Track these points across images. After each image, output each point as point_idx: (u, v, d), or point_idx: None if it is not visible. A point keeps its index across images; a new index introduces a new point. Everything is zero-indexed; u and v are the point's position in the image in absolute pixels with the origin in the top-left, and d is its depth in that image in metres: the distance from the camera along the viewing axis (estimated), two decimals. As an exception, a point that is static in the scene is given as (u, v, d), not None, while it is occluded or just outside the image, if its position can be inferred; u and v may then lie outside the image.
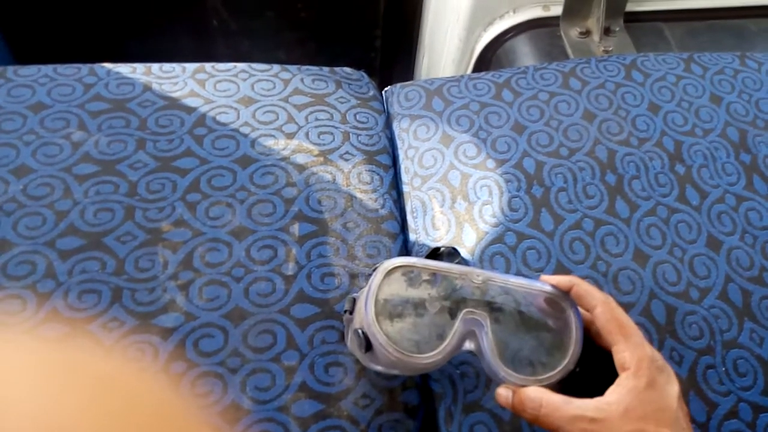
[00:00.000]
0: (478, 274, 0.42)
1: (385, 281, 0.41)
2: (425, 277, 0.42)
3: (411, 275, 0.42)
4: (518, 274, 0.52)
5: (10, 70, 0.59)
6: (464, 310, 0.41)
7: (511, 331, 0.41)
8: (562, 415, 0.37)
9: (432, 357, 0.41)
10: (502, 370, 0.41)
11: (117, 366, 0.20)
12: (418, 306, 0.41)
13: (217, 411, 0.45)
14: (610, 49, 0.83)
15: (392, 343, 0.40)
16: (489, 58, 0.89)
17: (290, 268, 0.51)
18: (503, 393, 0.41)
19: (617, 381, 0.37)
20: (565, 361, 0.41)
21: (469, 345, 0.42)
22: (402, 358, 0.41)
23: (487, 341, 0.41)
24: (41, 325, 0.46)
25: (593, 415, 0.36)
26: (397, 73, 1.23)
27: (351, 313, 0.43)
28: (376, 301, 0.41)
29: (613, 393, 0.37)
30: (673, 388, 0.37)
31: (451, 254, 0.48)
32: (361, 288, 0.44)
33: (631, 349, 0.37)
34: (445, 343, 0.41)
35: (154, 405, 0.18)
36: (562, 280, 0.42)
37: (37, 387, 0.16)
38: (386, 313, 0.41)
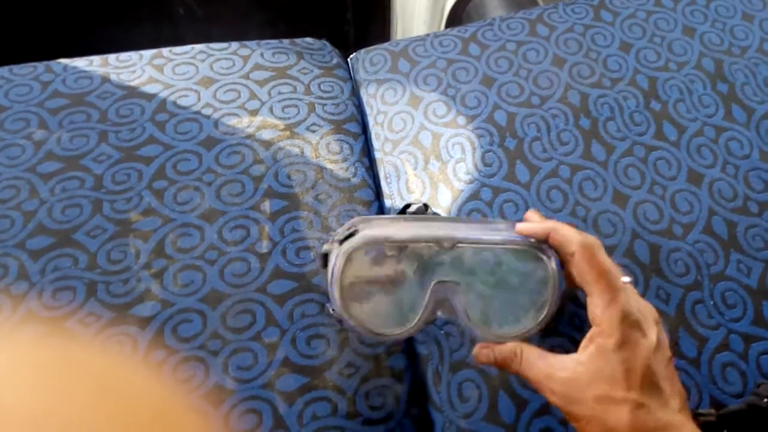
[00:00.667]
0: (447, 240, 0.40)
1: (348, 265, 0.40)
2: (389, 252, 0.41)
3: (374, 254, 0.41)
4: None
5: (-35, 75, 0.58)
6: (434, 282, 0.40)
7: (485, 294, 0.41)
8: (538, 371, 0.37)
9: (406, 331, 0.41)
10: (478, 329, 0.40)
11: (101, 361, 0.20)
12: (386, 284, 0.41)
13: (200, 394, 0.44)
14: (581, -8, 0.81)
15: (363, 325, 0.40)
16: (459, 16, 0.88)
17: (264, 246, 0.50)
18: (483, 351, 0.40)
19: (588, 335, 0.36)
20: (541, 317, 0.40)
21: (442, 313, 0.41)
22: (376, 337, 0.41)
23: (460, 307, 0.40)
24: (18, 327, 0.46)
25: (563, 375, 0.35)
26: (373, 43, 1.21)
27: (324, 267, 0.42)
28: (341, 287, 0.40)
29: (584, 351, 0.36)
30: (648, 343, 0.35)
31: (419, 212, 0.47)
32: (330, 240, 0.42)
33: (604, 303, 0.36)
34: (417, 316, 0.41)
35: (142, 399, 0.18)
36: (536, 229, 0.40)
37: (22, 388, 0.16)
38: (353, 296, 0.40)
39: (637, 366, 0.35)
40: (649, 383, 0.35)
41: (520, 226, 0.41)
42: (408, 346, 0.49)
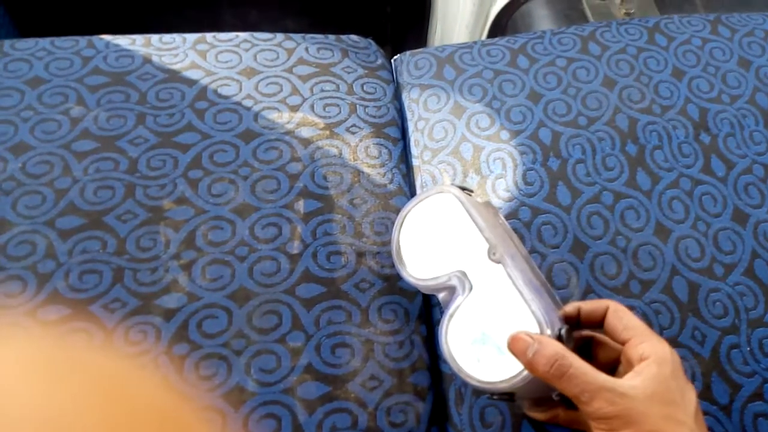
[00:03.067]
0: (496, 251, 0.41)
1: (432, 198, 0.46)
2: (461, 216, 0.44)
3: (453, 206, 0.44)
4: (532, 251, 0.50)
5: (7, 44, 0.57)
6: (457, 271, 0.42)
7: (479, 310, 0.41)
8: (590, 381, 0.34)
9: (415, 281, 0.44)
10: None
11: (118, 357, 0.20)
12: (438, 237, 0.45)
13: (221, 393, 0.43)
14: (632, 11, 0.79)
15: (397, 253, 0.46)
16: (504, 24, 0.86)
17: (295, 247, 0.49)
18: (524, 338, 0.36)
19: (635, 369, 0.35)
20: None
21: (444, 296, 0.43)
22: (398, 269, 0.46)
23: (453, 306, 0.41)
24: (42, 307, 0.45)
25: (623, 391, 0.34)
26: (410, 41, 1.19)
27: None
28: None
29: (635, 378, 0.34)
30: (693, 392, 0.35)
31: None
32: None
33: (652, 343, 0.35)
34: (430, 278, 0.43)
35: (155, 399, 0.18)
36: (571, 311, 0.40)
37: (38, 378, 0.16)
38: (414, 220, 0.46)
39: (691, 398, 0.34)
40: (699, 419, 0.34)
41: (572, 304, 0.40)
42: (432, 363, 0.48)
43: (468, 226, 0.43)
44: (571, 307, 0.40)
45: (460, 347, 0.40)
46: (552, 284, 0.48)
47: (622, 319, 0.37)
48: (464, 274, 0.42)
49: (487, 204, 0.47)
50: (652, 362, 0.34)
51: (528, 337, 0.36)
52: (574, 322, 0.39)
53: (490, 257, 0.41)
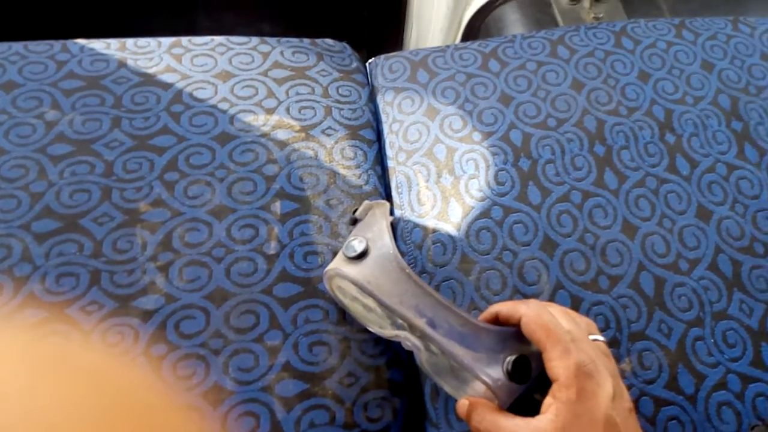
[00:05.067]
0: (418, 328, 0.40)
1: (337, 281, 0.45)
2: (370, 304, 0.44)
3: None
4: (504, 249, 0.51)
5: (-20, 47, 0.57)
6: (402, 334, 0.42)
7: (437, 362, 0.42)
8: (505, 428, 0.36)
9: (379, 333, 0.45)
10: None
11: (98, 355, 0.20)
12: (364, 306, 0.45)
13: (199, 393, 0.44)
14: (601, 15, 0.81)
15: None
16: (477, 27, 0.87)
17: (272, 247, 0.50)
18: (463, 403, 0.40)
19: (551, 392, 0.36)
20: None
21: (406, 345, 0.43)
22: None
23: (419, 361, 0.42)
24: (19, 310, 0.45)
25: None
26: (386, 44, 1.20)
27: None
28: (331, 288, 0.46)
29: (550, 407, 0.35)
30: (604, 392, 0.35)
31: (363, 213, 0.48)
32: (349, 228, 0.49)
33: (557, 357, 0.36)
34: (387, 333, 0.44)
35: (136, 395, 0.18)
36: (486, 317, 0.42)
37: (17, 378, 0.16)
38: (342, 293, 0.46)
39: (597, 417, 0.35)
40: (619, 415, 0.35)
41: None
42: (408, 359, 0.49)
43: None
44: (487, 314, 0.42)
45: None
46: (523, 281, 0.50)
47: (534, 332, 0.37)
48: (407, 337, 0.42)
49: (387, 255, 0.43)
50: (561, 386, 0.35)
51: (463, 405, 0.40)
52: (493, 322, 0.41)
53: (412, 332, 0.41)
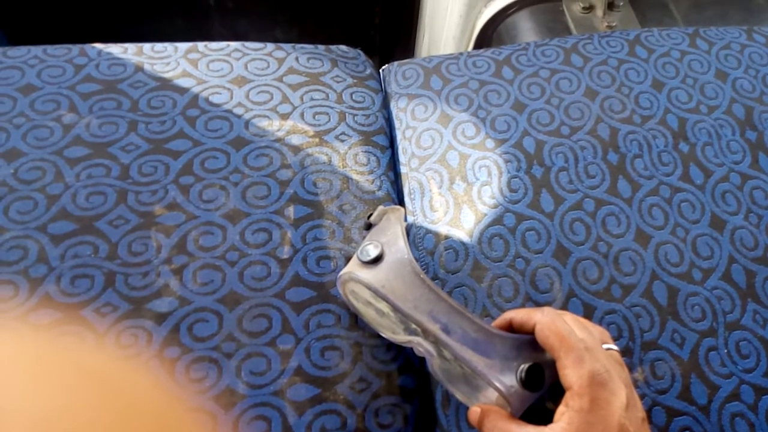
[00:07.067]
0: (432, 333, 0.40)
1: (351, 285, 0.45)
2: (384, 309, 0.44)
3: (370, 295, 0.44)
4: (517, 256, 0.51)
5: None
6: (416, 340, 0.42)
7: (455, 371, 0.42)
8: None
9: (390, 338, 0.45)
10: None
11: (111, 357, 0.20)
12: (378, 310, 0.45)
13: (211, 396, 0.44)
14: (614, 24, 0.81)
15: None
16: (490, 35, 0.88)
17: (285, 252, 0.50)
18: (475, 410, 0.40)
19: (564, 400, 0.36)
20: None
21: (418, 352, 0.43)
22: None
23: (431, 367, 0.42)
24: (33, 311, 0.46)
25: None
26: (397, 51, 1.21)
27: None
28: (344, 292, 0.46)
29: (563, 416, 0.35)
30: (618, 401, 0.35)
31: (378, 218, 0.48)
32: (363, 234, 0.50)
33: (571, 365, 0.36)
34: (399, 339, 0.44)
35: (149, 398, 0.18)
36: (500, 324, 0.42)
37: (30, 380, 0.16)
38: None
39: (611, 426, 0.34)
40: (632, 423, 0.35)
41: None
42: (420, 365, 0.49)
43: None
44: (501, 321, 0.42)
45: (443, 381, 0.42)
46: (536, 288, 0.50)
47: (548, 339, 0.37)
48: (420, 343, 0.42)
49: (402, 260, 0.43)
50: (574, 395, 0.35)
51: (475, 412, 0.39)
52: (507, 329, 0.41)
53: (426, 338, 0.41)
